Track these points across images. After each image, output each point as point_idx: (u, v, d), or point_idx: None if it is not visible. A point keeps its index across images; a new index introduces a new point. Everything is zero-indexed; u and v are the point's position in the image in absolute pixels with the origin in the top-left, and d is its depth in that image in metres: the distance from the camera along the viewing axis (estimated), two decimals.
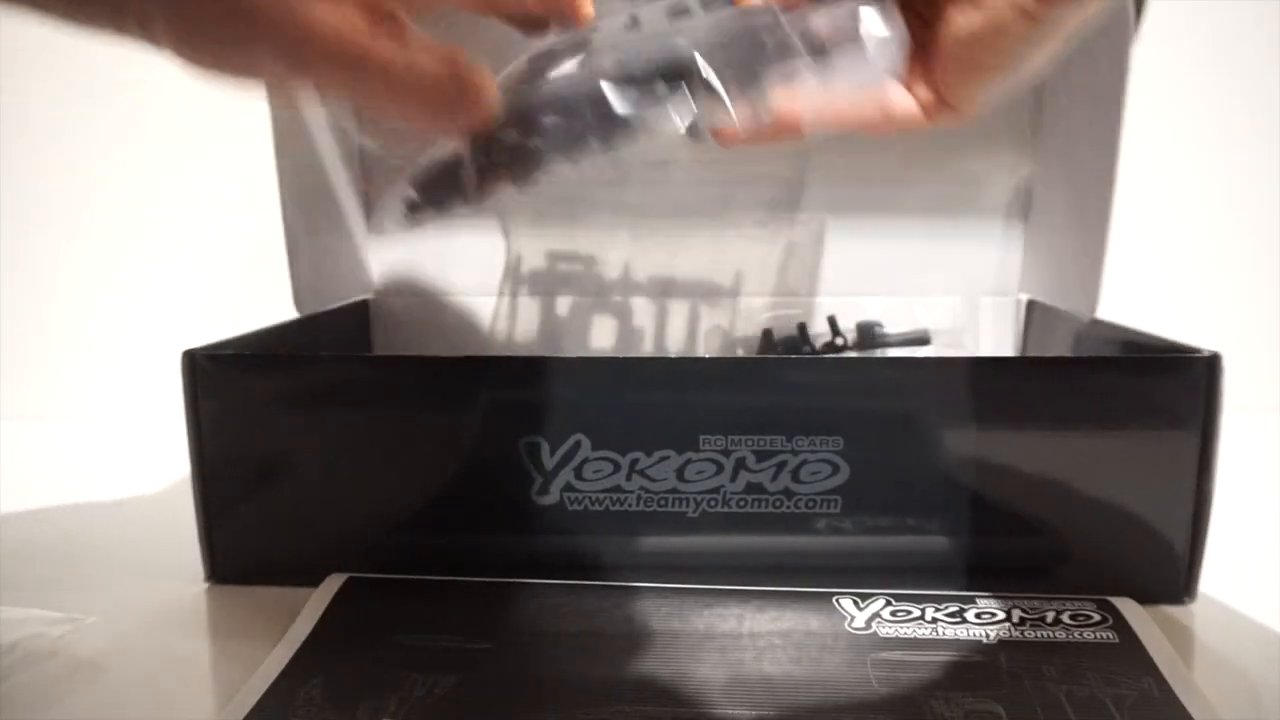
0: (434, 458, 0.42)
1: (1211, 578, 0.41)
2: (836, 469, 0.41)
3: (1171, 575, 0.41)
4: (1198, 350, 0.40)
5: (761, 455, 0.41)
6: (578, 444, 0.41)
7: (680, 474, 0.41)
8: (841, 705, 0.32)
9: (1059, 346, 0.54)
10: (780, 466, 0.41)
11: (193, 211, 0.77)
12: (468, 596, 0.40)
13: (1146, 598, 0.40)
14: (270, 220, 0.55)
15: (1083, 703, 0.32)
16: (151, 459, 0.63)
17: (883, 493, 0.41)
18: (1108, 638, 0.36)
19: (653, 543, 0.42)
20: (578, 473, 0.41)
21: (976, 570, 0.41)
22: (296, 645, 0.37)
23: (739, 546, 0.42)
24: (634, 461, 0.41)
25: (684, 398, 0.41)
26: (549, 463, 0.41)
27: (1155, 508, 0.40)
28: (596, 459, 0.41)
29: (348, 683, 0.34)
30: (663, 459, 0.41)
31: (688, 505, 0.41)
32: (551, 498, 0.42)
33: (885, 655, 0.35)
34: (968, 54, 0.34)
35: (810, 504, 0.41)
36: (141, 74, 0.76)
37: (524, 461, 0.41)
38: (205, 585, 0.44)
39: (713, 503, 0.41)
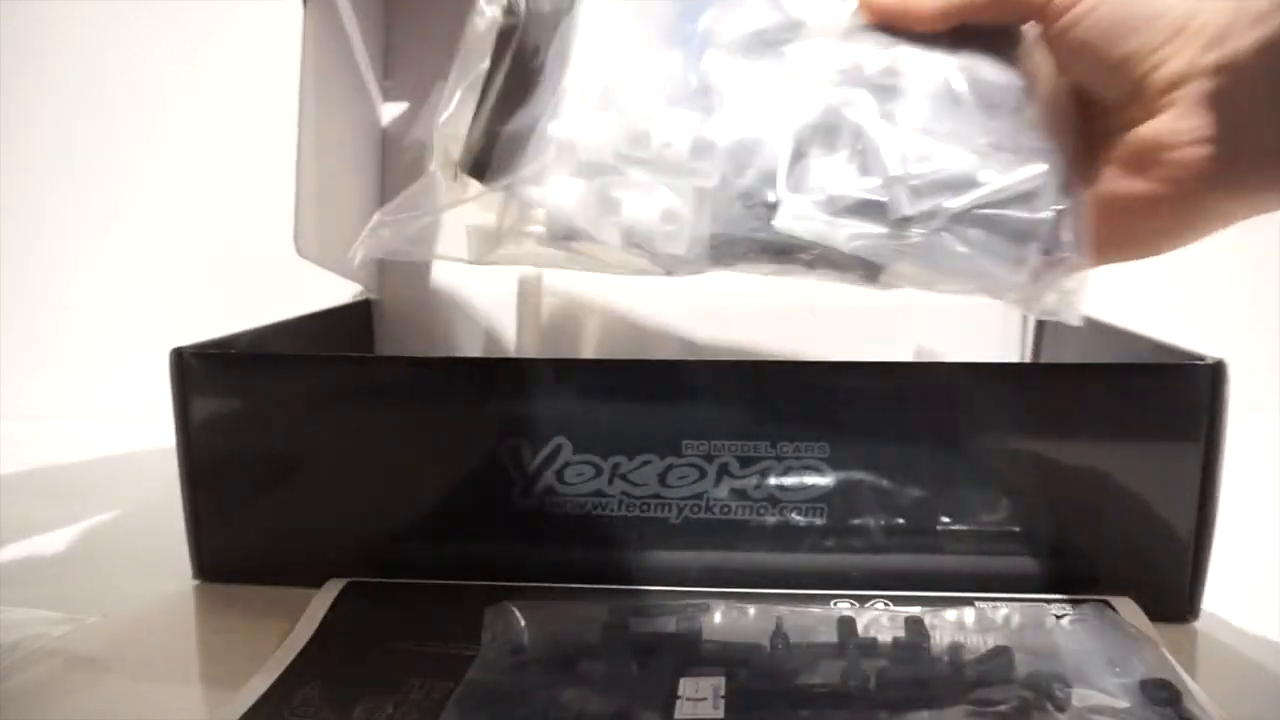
0: (427, 459, 0.42)
1: (1212, 584, 0.41)
2: (822, 475, 0.41)
3: (1174, 593, 0.40)
4: (1201, 358, 0.39)
5: (745, 461, 0.41)
6: (559, 448, 0.41)
7: (662, 479, 0.41)
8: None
9: (1069, 353, 0.53)
10: (764, 472, 0.41)
11: (195, 211, 0.77)
12: (466, 602, 0.40)
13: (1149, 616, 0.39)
14: (273, 221, 0.55)
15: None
16: (152, 459, 0.63)
17: (869, 500, 0.41)
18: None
19: (635, 546, 0.41)
20: (559, 476, 0.41)
21: (967, 584, 0.40)
22: (296, 649, 0.37)
23: (722, 552, 0.41)
24: (615, 465, 0.41)
25: (667, 401, 0.40)
26: (529, 466, 0.41)
27: (1157, 521, 0.40)
28: (577, 462, 0.41)
29: (345, 686, 0.34)
30: (645, 463, 0.41)
31: (670, 510, 0.41)
32: (532, 502, 0.41)
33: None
34: (1115, 222, 0.31)
35: (795, 511, 0.41)
36: (144, 75, 0.76)
37: (507, 465, 0.41)
38: (207, 587, 0.44)
39: (695, 508, 0.41)
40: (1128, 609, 0.39)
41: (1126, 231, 0.32)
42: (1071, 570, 0.41)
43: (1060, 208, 0.31)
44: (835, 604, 0.39)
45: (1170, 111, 0.29)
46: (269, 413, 0.43)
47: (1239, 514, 0.42)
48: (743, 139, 0.32)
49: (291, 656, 0.37)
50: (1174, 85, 0.29)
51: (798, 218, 0.31)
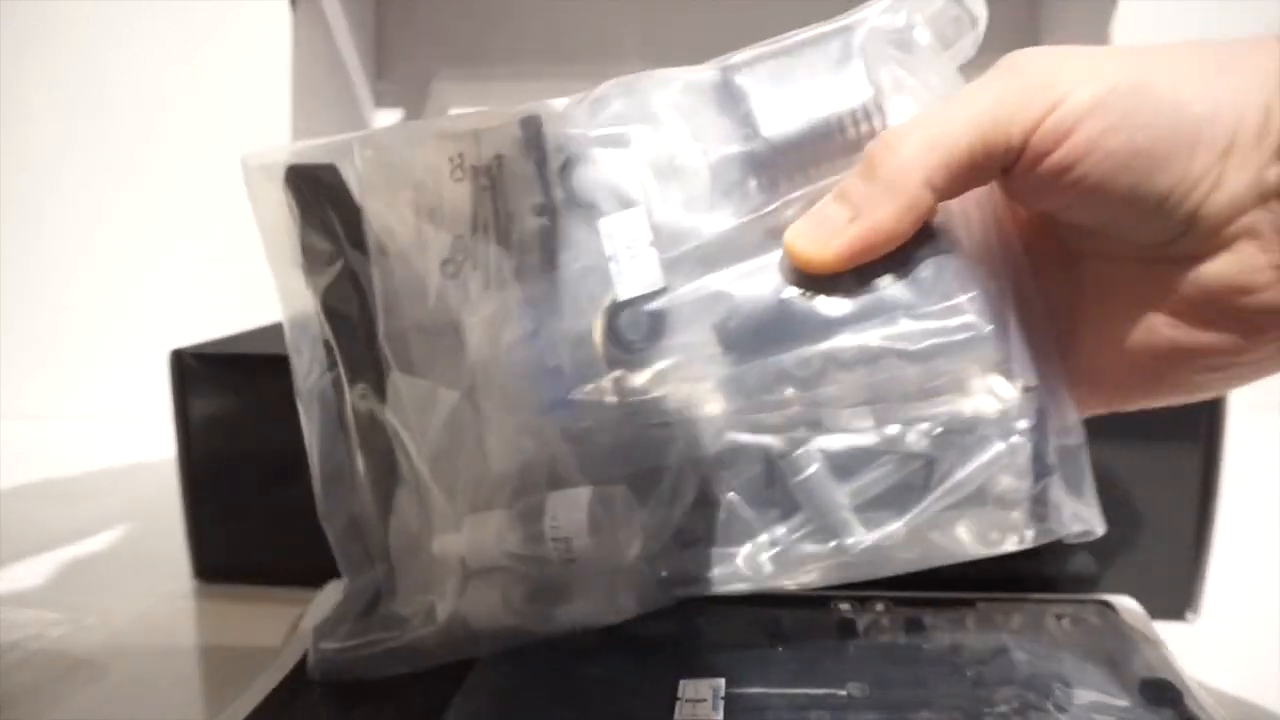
0: None
1: (1212, 584, 0.41)
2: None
3: (1174, 593, 0.40)
4: None
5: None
6: None
7: None
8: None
9: None
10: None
11: (195, 211, 0.77)
12: None
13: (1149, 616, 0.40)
14: None
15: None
16: (152, 459, 0.63)
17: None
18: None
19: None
20: None
21: (969, 582, 0.40)
22: (298, 651, 0.37)
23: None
24: None
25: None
26: None
27: (1157, 521, 0.40)
28: None
29: (346, 688, 0.34)
30: None
31: None
32: None
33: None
34: (1160, 372, 0.26)
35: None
36: (144, 75, 0.76)
37: None
38: (207, 587, 0.44)
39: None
40: (1128, 609, 0.39)
41: (1175, 381, 0.26)
42: (1071, 570, 0.40)
43: (1045, 480, 0.28)
44: (835, 604, 0.39)
45: (1237, 248, 0.23)
46: (269, 413, 0.43)
47: (1239, 514, 0.42)
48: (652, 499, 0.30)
49: (293, 658, 0.36)
50: (1235, 214, 0.23)
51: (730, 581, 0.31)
